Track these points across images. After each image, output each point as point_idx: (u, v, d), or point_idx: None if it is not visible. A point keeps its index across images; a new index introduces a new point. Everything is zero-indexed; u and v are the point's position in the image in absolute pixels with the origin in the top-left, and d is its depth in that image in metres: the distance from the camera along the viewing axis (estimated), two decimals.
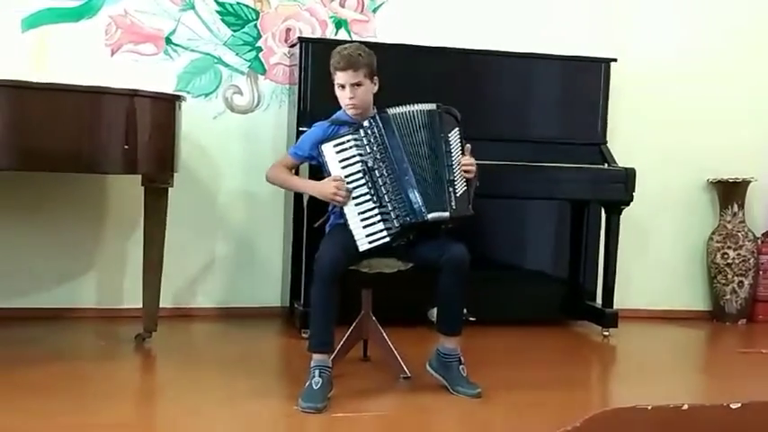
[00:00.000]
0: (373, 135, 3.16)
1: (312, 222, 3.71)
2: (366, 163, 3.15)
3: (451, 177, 3.17)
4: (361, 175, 3.15)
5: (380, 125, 3.17)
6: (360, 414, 2.95)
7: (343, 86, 3.21)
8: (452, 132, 3.22)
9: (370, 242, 3.13)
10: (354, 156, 3.16)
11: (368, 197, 3.15)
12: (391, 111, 3.21)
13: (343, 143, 3.17)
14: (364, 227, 3.14)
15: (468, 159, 3.21)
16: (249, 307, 4.44)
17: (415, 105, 3.23)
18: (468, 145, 3.25)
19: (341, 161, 3.16)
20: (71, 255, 4.25)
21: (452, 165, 3.18)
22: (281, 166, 3.41)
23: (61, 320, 4.12)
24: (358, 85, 3.19)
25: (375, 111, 3.25)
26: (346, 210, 3.15)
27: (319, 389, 2.97)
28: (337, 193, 3.12)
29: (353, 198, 3.15)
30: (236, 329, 4.22)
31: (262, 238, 4.48)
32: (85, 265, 4.28)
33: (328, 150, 3.17)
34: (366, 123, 3.17)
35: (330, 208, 3.28)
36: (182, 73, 4.34)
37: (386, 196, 3.13)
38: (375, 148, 3.15)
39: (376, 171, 3.14)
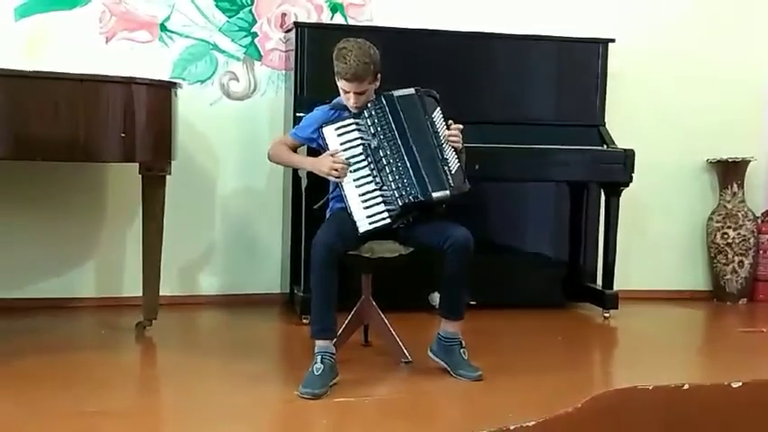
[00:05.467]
0: (378, 116, 3.18)
1: (311, 207, 3.70)
2: (369, 145, 3.17)
3: (444, 156, 3.19)
4: (363, 157, 3.17)
5: (386, 106, 3.19)
6: (361, 398, 2.95)
7: (347, 92, 3.20)
8: (435, 113, 3.25)
9: (370, 223, 3.14)
10: (356, 139, 3.18)
11: (369, 179, 3.17)
12: (396, 93, 3.22)
13: (344, 126, 3.20)
14: (365, 208, 3.15)
15: (452, 131, 3.22)
16: (249, 294, 4.43)
17: (400, 90, 3.23)
18: (460, 126, 3.25)
19: (342, 143, 3.19)
20: (70, 244, 4.24)
21: (441, 144, 3.20)
22: (282, 144, 3.45)
23: (61, 310, 4.12)
24: (363, 92, 3.19)
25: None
26: (346, 191, 3.16)
27: (320, 375, 2.97)
28: (333, 167, 3.14)
29: (354, 180, 3.16)
30: (236, 316, 4.22)
31: (261, 225, 4.47)
32: (85, 255, 4.28)
33: (330, 133, 3.19)
34: (370, 105, 3.19)
35: (331, 189, 3.29)
36: (177, 60, 4.31)
37: (390, 176, 3.14)
38: (380, 129, 3.17)
39: (380, 151, 3.16)
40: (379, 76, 3.23)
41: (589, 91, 4.51)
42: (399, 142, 3.16)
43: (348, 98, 3.20)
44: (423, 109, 3.23)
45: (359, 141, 3.18)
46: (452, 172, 3.18)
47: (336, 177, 3.16)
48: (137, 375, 3.37)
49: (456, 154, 3.22)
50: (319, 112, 3.34)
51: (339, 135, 3.19)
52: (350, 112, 3.23)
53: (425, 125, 3.21)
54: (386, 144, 3.17)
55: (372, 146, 3.17)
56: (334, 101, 3.32)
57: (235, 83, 4.41)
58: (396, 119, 3.18)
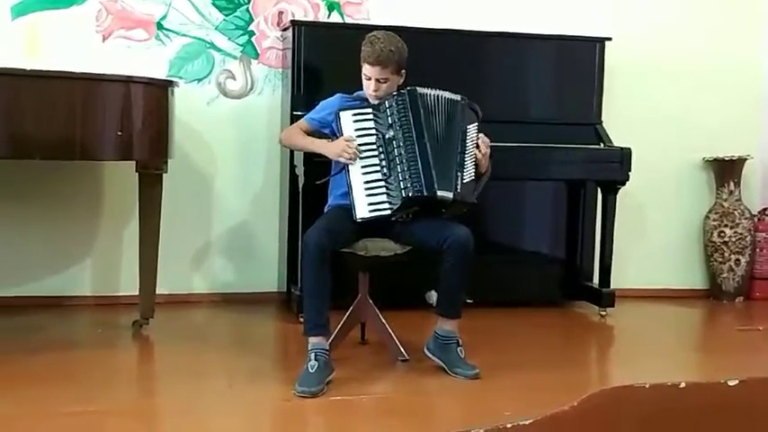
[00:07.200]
0: (398, 107, 3.20)
1: (307, 212, 3.71)
2: (384, 136, 3.19)
3: (462, 164, 3.21)
4: (375, 146, 3.20)
5: (407, 100, 3.21)
6: (358, 397, 2.95)
7: (369, 78, 3.22)
8: (471, 126, 3.28)
9: (370, 211, 3.16)
10: (371, 128, 3.21)
11: (377, 168, 3.19)
12: (420, 90, 3.24)
13: (362, 113, 3.23)
14: (367, 195, 3.16)
15: (482, 152, 3.25)
16: (246, 292, 4.42)
17: (443, 91, 3.28)
18: (487, 139, 3.30)
19: (356, 130, 3.21)
20: (67, 243, 4.24)
21: (464, 153, 3.23)
22: (297, 128, 3.47)
23: (58, 309, 4.11)
24: (384, 80, 3.21)
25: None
26: (352, 176, 3.18)
27: (315, 372, 2.97)
28: (345, 149, 3.16)
29: (362, 167, 3.18)
30: (233, 315, 4.22)
31: (258, 223, 4.47)
32: (82, 253, 4.27)
33: (346, 118, 3.22)
34: (392, 97, 3.21)
35: (332, 172, 3.31)
36: (174, 58, 4.31)
37: (398, 167, 3.16)
38: (397, 120, 3.19)
39: (393, 143, 3.18)
40: (403, 72, 3.26)
41: (586, 89, 4.50)
42: (414, 137, 3.18)
43: (369, 85, 3.23)
44: (462, 116, 3.27)
45: (373, 131, 3.21)
46: (464, 181, 3.20)
47: (347, 159, 3.17)
48: (133, 374, 3.37)
49: (476, 170, 3.25)
50: (338, 98, 3.37)
51: (355, 121, 3.22)
52: (369, 103, 3.25)
53: (457, 132, 3.24)
54: (400, 137, 3.18)
55: (386, 137, 3.19)
56: (356, 93, 3.35)
57: (232, 81, 4.40)
58: (415, 114, 3.20)
